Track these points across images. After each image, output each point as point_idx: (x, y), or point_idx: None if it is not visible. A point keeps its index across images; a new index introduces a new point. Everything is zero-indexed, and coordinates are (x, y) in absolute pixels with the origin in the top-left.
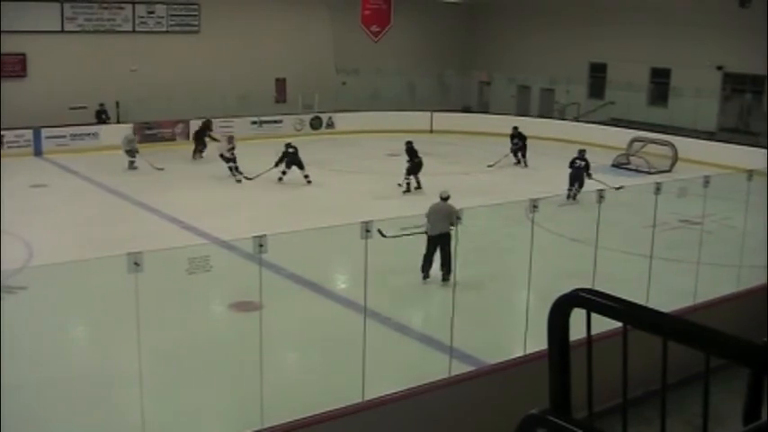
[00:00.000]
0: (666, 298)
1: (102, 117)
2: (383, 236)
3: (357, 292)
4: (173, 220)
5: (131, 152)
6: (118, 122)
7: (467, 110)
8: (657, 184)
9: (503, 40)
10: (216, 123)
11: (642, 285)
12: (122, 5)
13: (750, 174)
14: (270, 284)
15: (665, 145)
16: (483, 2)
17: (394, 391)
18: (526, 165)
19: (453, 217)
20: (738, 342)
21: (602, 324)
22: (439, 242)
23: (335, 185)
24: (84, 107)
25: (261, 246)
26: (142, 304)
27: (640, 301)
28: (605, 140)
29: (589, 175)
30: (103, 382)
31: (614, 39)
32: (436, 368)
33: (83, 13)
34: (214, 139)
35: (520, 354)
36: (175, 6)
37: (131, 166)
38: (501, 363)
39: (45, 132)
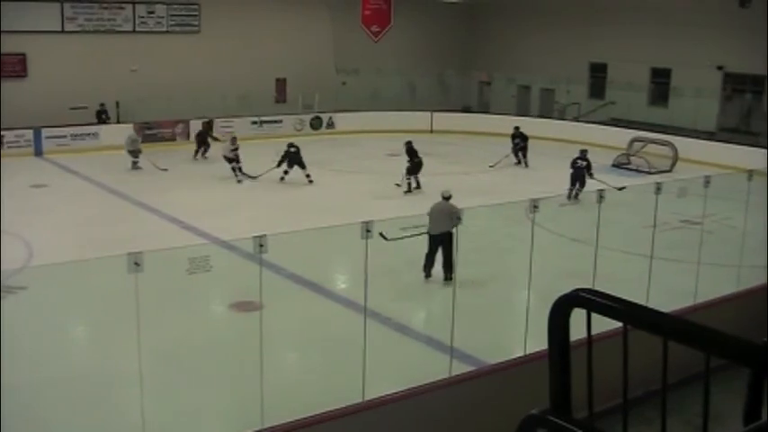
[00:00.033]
0: (666, 298)
1: (102, 117)
2: (385, 239)
3: (357, 291)
4: (173, 220)
5: (135, 152)
6: (118, 122)
7: (467, 110)
8: (658, 184)
9: (503, 40)
10: (216, 123)
11: (642, 285)
12: (122, 5)
13: (750, 174)
14: (270, 284)
15: (666, 145)
16: (483, 2)
17: (394, 391)
18: (527, 165)
19: (455, 216)
20: (738, 342)
21: (603, 324)
22: (441, 241)
23: (335, 185)
24: (85, 107)
25: (261, 246)
26: (142, 304)
27: (640, 301)
28: (605, 140)
29: (591, 175)
30: (103, 382)
31: (614, 39)
32: (436, 368)
33: (83, 13)
34: (216, 139)
35: (520, 354)
36: (175, 6)
37: (135, 166)
38: (501, 363)
39: (45, 132)
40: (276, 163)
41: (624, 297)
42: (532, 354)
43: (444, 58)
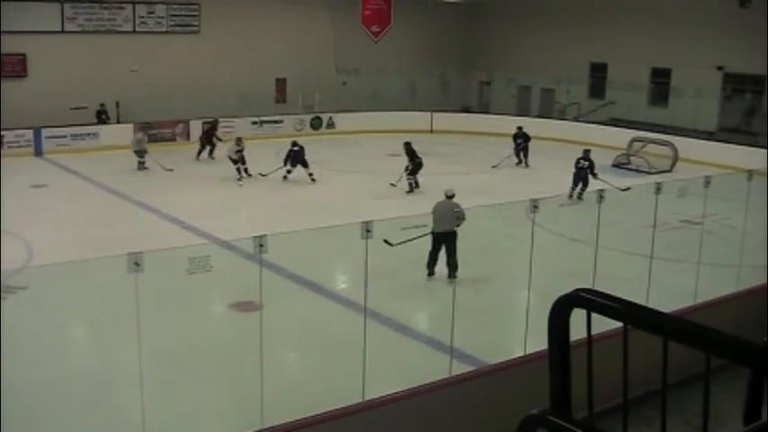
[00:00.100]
0: (667, 298)
1: (102, 117)
2: (390, 245)
3: (357, 292)
4: (173, 220)
5: (140, 152)
6: (118, 122)
7: (467, 110)
8: (658, 184)
9: (503, 40)
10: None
11: (642, 285)
12: (122, 5)
13: (750, 174)
14: (270, 284)
15: (666, 145)
16: (483, 2)
17: (394, 391)
18: (527, 165)
19: (459, 215)
20: (738, 342)
21: (603, 324)
22: (444, 240)
23: (336, 185)
24: (85, 107)
25: (261, 246)
26: (142, 304)
27: (640, 301)
28: (605, 140)
29: (594, 175)
30: (103, 382)
31: (614, 39)
32: (436, 368)
33: (83, 14)
34: (219, 140)
35: (520, 354)
36: (175, 6)
37: (141, 166)
38: (501, 363)
39: (45, 132)
40: (283, 161)
41: (624, 297)
42: (532, 354)
43: (444, 58)
